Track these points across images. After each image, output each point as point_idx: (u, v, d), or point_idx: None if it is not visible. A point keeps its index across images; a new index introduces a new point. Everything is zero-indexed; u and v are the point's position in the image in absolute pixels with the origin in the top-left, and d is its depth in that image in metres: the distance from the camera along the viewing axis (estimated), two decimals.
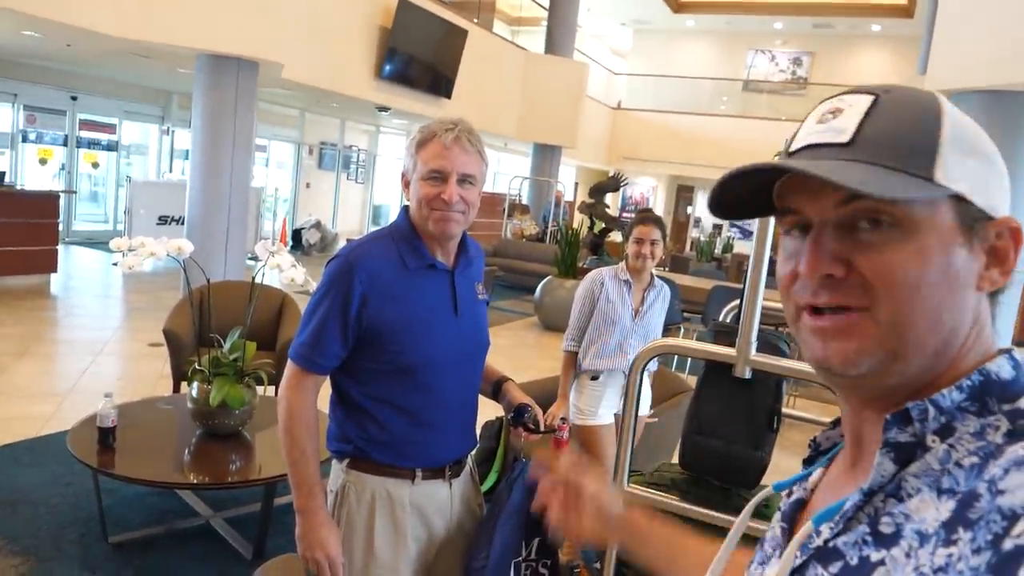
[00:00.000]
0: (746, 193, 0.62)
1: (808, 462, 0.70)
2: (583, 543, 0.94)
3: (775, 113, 17.67)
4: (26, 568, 2.84)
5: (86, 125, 12.31)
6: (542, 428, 1.80)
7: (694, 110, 18.03)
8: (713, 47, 20.03)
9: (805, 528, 0.59)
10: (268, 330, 4.61)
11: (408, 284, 1.64)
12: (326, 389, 1.71)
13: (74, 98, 11.72)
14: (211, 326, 3.57)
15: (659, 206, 20.96)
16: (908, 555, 0.49)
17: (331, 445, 1.71)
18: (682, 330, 8.00)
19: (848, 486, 0.59)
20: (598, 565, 2.10)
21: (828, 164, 0.55)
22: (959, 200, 0.55)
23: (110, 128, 12.74)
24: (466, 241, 1.77)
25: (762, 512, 1.77)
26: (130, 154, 13.46)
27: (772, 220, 1.78)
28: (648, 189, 21.47)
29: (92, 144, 12.61)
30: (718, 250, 17.19)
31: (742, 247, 16.57)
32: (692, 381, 2.94)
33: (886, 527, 0.52)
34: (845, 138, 0.56)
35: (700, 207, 21.55)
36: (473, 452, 1.87)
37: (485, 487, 1.95)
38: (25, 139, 11.58)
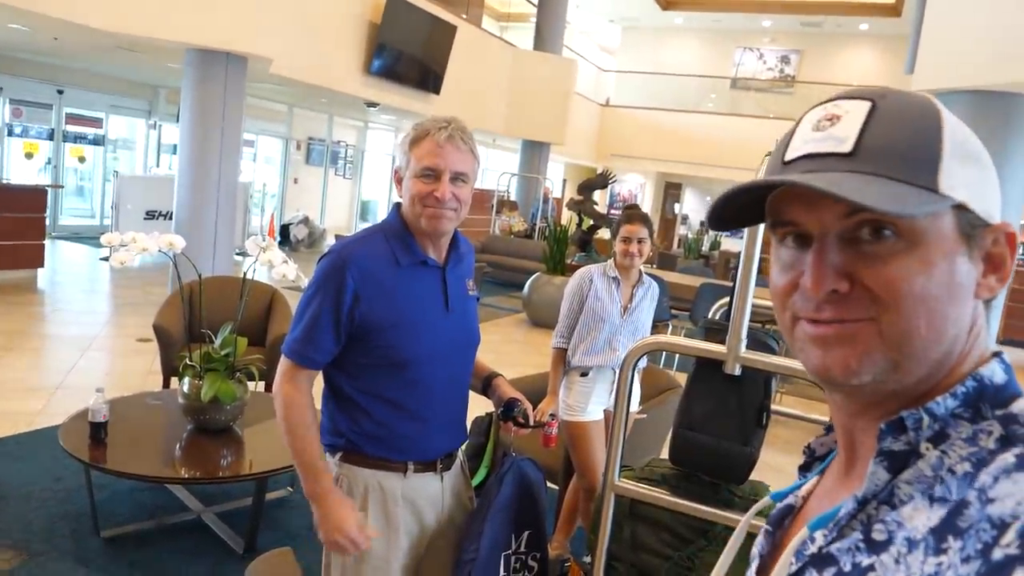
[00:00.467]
0: (742, 204, 0.61)
1: (804, 469, 0.69)
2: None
3: (763, 111, 17.77)
4: (18, 562, 2.85)
5: (72, 119, 12.23)
6: (531, 423, 1.83)
7: (682, 107, 18.09)
8: (701, 44, 20.10)
9: (801, 534, 0.59)
10: (258, 325, 4.61)
11: (400, 280, 1.66)
12: (319, 383, 1.73)
13: (60, 92, 11.63)
14: (202, 321, 3.57)
15: (647, 203, 21.03)
16: (897, 561, 0.49)
17: (324, 439, 1.73)
18: (670, 327, 8.05)
19: (842, 493, 0.59)
20: (588, 559, 2.14)
21: (832, 176, 0.54)
22: (960, 209, 0.54)
23: (97, 122, 12.66)
24: (457, 238, 1.79)
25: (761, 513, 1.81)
26: (117, 148, 13.38)
27: None
28: (636, 186, 21.53)
29: (78, 138, 12.53)
30: (705, 247, 17.29)
31: (729, 244, 16.67)
32: (680, 378, 2.97)
33: (878, 534, 0.52)
34: (847, 148, 0.55)
35: (688, 204, 21.65)
36: (464, 447, 1.90)
37: (475, 482, 1.98)
38: (11, 133, 11.49)
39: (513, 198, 14.89)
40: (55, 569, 2.84)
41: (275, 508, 3.49)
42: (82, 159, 12.81)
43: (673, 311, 8.06)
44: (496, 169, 17.79)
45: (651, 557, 1.93)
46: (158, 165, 13.40)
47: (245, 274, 3.26)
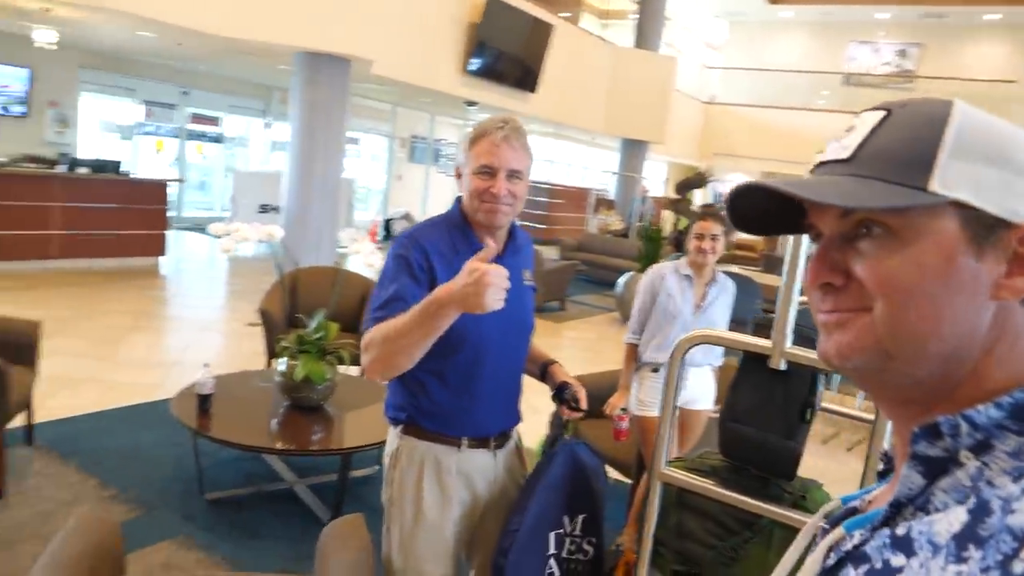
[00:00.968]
0: (774, 209, 0.64)
1: (882, 475, 0.68)
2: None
3: None
4: (136, 514, 3.20)
5: (195, 118, 13.11)
6: (583, 406, 1.94)
7: (790, 104, 17.57)
8: (811, 39, 19.45)
9: (836, 532, 0.61)
10: (352, 314, 4.89)
11: (458, 268, 1.80)
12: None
13: (185, 93, 12.49)
14: (298, 307, 3.86)
15: None
16: (923, 565, 0.49)
17: (387, 412, 1.90)
18: (750, 327, 7.92)
19: (888, 497, 0.59)
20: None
21: (821, 179, 0.59)
22: (965, 207, 0.54)
23: (216, 121, 13.52)
24: (515, 230, 1.92)
25: (801, 504, 1.86)
26: (234, 146, 14.24)
27: None
28: None
29: (201, 136, 13.42)
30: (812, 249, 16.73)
31: None
32: None
33: (908, 536, 0.52)
34: (847, 154, 0.59)
35: None
36: (518, 427, 2.03)
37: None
38: (143, 131, 12.45)
39: (611, 197, 14.89)
40: (165, 522, 3.17)
41: (360, 485, 3.73)
42: (203, 155, 13.71)
43: (771, 314, 7.91)
44: (595, 168, 17.82)
45: (696, 545, 2.00)
46: (270, 161, 14.18)
47: (338, 264, 3.51)
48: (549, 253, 11.48)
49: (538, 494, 1.90)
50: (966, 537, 0.48)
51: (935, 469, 0.54)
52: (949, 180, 0.54)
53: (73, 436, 3.91)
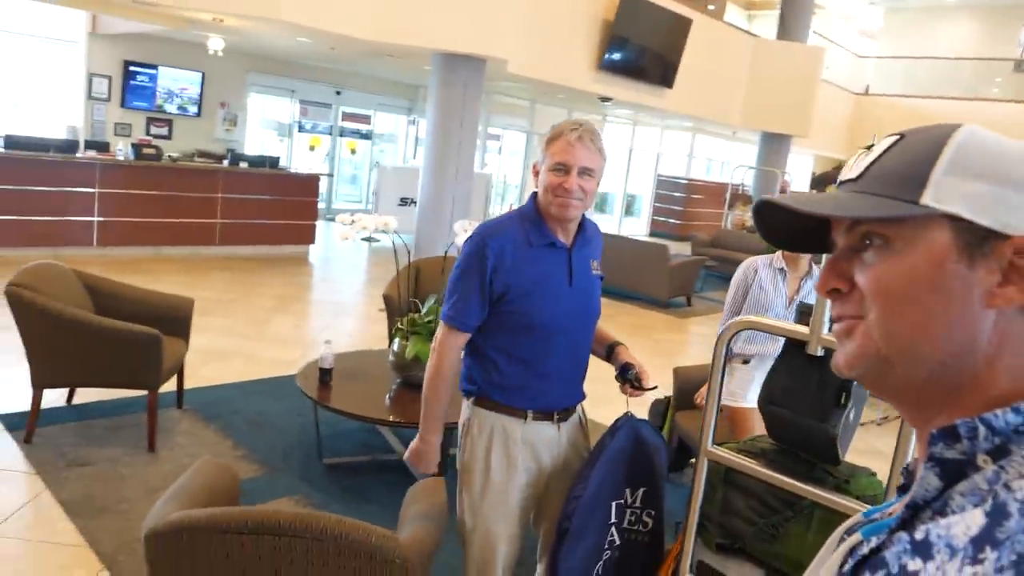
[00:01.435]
0: (810, 227, 0.67)
1: (902, 489, 0.68)
2: None
3: None
4: (261, 474, 3.59)
5: (347, 116, 13.97)
6: (645, 386, 2.06)
7: (954, 94, 16.32)
8: (977, 23, 17.96)
9: (854, 537, 0.63)
10: None
11: (530, 257, 1.97)
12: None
13: (338, 93, 13.34)
14: (414, 293, 4.15)
15: None
16: (939, 568, 0.50)
17: (462, 384, 2.10)
18: None
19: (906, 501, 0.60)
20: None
21: (826, 195, 0.64)
22: (958, 220, 0.57)
23: (366, 119, 14.34)
24: (585, 223, 2.07)
25: (843, 488, 1.89)
26: (382, 142, 15.03)
27: None
28: None
29: (352, 133, 14.29)
30: None
31: None
32: None
33: (922, 537, 0.52)
34: (856, 174, 0.63)
35: None
36: (582, 402, 2.18)
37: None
38: (301, 129, 13.42)
39: (750, 192, 14.48)
40: (286, 483, 3.53)
41: None
42: (353, 151, 14.58)
43: None
44: (734, 162, 17.35)
45: (739, 521, 2.07)
46: (415, 157, 14.85)
47: (446, 252, 3.75)
48: (681, 249, 11.36)
49: (600, 465, 2.03)
50: (983, 539, 0.49)
51: (952, 472, 0.55)
52: (942, 194, 0.57)
53: (216, 402, 4.40)
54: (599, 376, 2.43)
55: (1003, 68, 17.24)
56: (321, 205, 10.97)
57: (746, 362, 3.22)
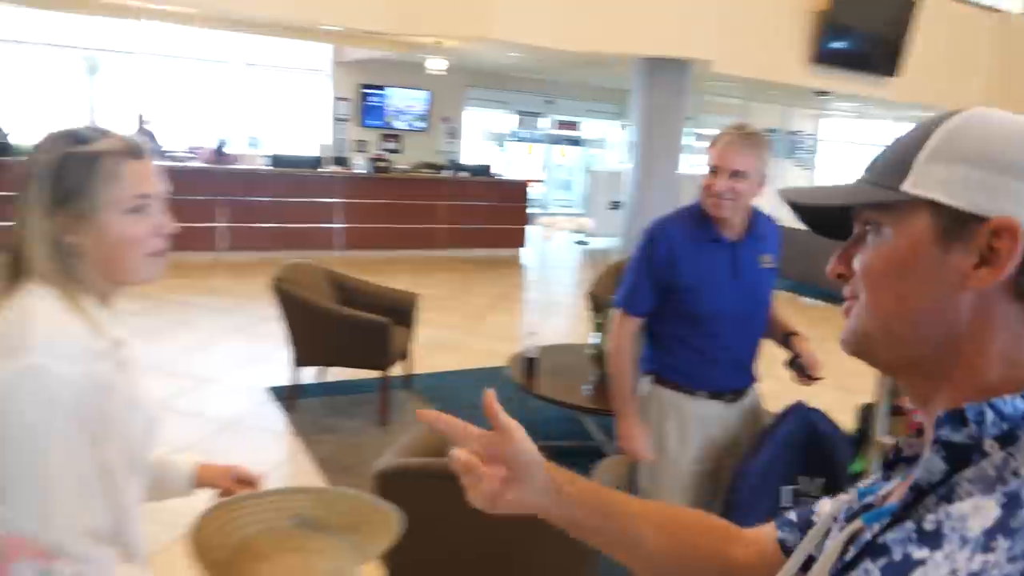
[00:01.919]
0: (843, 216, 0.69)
1: (888, 467, 0.69)
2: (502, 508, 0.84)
3: None
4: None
5: (558, 124, 14.51)
6: (814, 375, 2.15)
7: None
8: None
9: (855, 524, 0.62)
10: None
11: (697, 252, 2.14)
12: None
13: (549, 102, 13.89)
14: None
15: None
16: (947, 557, 0.50)
17: (642, 365, 2.32)
18: None
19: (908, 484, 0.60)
20: None
21: (829, 186, 0.69)
22: (938, 205, 0.58)
23: (575, 126, 14.79)
24: (757, 220, 2.19)
25: None
26: (592, 147, 15.41)
27: None
28: None
29: (563, 140, 14.81)
30: None
31: None
32: None
33: (932, 527, 0.52)
34: (867, 166, 0.67)
35: None
36: (756, 386, 2.29)
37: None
38: (514, 138, 14.17)
39: None
40: None
41: None
42: (564, 157, 15.10)
43: None
44: None
45: None
46: (625, 161, 15.06)
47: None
48: None
49: (768, 445, 2.15)
50: (996, 529, 0.49)
51: (958, 456, 0.55)
52: (922, 180, 0.59)
53: (439, 386, 4.92)
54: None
55: None
56: (534, 210, 11.51)
57: None
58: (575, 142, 15.05)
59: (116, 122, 10.18)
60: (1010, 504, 0.49)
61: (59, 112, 9.86)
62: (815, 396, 2.28)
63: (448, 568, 2.12)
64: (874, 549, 0.55)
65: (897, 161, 0.62)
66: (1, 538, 0.93)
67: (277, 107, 11.50)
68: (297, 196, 8.84)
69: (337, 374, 4.84)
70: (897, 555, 0.52)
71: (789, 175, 15.65)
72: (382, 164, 9.66)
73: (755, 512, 2.16)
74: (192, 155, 8.96)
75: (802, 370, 2.16)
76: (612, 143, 15.38)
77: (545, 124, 14.23)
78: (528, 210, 10.54)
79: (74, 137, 1.07)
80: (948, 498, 0.53)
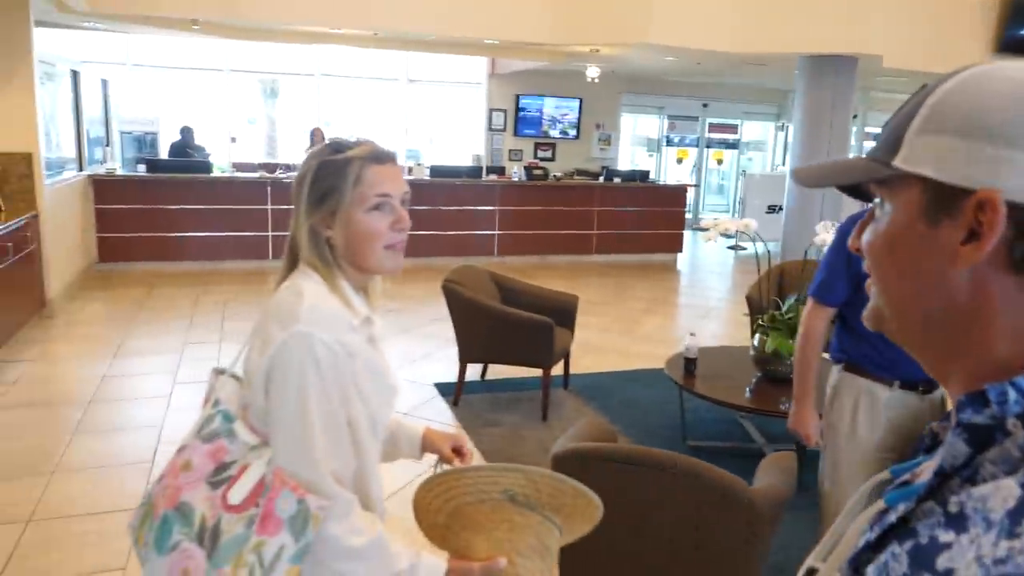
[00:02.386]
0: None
1: (926, 451, 0.67)
2: None
3: None
4: (625, 443, 4.08)
5: (713, 128, 14.24)
6: None
7: None
8: None
9: (876, 505, 0.61)
10: None
11: None
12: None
13: (705, 105, 13.68)
14: (779, 293, 4.33)
15: None
16: (973, 541, 0.48)
17: (833, 353, 2.37)
18: None
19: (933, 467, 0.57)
20: None
21: (840, 163, 0.67)
22: (928, 180, 0.56)
23: (732, 128, 14.46)
24: None
25: None
26: (749, 150, 15.00)
27: None
28: None
29: (718, 143, 14.52)
30: None
31: None
32: None
33: (956, 509, 0.50)
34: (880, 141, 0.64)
35: None
36: None
37: None
38: (669, 143, 14.06)
39: None
40: None
41: (814, 456, 4.03)
42: (720, 161, 14.79)
43: None
44: None
45: None
46: (784, 164, 14.54)
47: (806, 252, 3.88)
48: None
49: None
50: (1020, 512, 0.47)
51: (981, 438, 0.53)
52: (912, 155, 0.57)
53: (595, 386, 5.03)
54: None
55: None
56: (689, 215, 11.40)
57: None
58: (732, 145, 14.71)
59: (293, 138, 11.15)
60: None
61: (244, 131, 10.98)
62: None
63: (617, 547, 2.23)
64: (901, 532, 0.54)
65: (892, 135, 0.60)
66: (270, 472, 1.15)
67: (435, 119, 12.12)
68: (456, 204, 9.27)
69: (498, 372, 5.07)
70: (924, 538, 0.51)
71: None
72: (538, 172, 9.93)
73: None
74: None
75: None
76: (770, 145, 14.91)
77: (700, 128, 14.01)
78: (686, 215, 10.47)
79: (333, 146, 1.30)
80: (972, 480, 0.52)
